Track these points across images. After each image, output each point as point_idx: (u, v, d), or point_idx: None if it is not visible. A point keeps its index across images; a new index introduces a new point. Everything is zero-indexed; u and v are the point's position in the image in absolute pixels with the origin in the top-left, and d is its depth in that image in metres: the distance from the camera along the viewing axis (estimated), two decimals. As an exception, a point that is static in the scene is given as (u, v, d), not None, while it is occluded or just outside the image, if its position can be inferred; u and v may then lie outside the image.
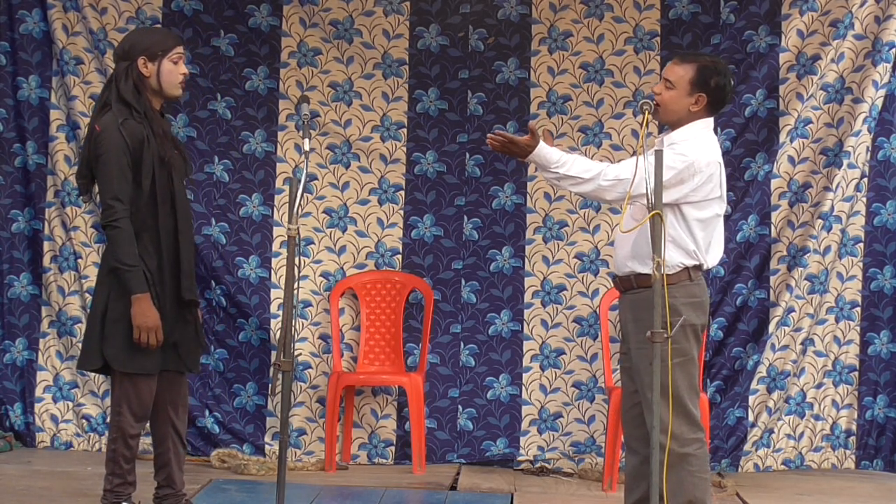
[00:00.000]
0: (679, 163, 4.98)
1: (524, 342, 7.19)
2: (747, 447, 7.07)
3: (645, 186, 4.76)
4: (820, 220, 7.02)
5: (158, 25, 7.02)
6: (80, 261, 7.14)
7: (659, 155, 4.76)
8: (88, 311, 5.52)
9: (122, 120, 5.16)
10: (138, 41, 5.32)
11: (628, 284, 5.14)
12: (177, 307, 5.30)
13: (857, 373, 7.17)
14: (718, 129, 7.07)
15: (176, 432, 5.42)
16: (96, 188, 5.31)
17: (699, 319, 5.12)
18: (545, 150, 5.02)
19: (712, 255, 5.16)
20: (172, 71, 5.29)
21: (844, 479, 7.06)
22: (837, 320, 7.16)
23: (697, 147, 5.06)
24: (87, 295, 7.04)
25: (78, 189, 5.53)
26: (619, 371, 6.94)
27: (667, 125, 5.24)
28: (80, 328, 7.06)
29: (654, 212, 4.71)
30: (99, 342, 5.22)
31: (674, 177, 4.94)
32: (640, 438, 5.14)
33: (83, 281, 7.11)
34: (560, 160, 5.02)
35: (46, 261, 7.18)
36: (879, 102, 7.03)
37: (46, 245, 7.18)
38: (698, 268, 5.11)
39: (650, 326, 4.71)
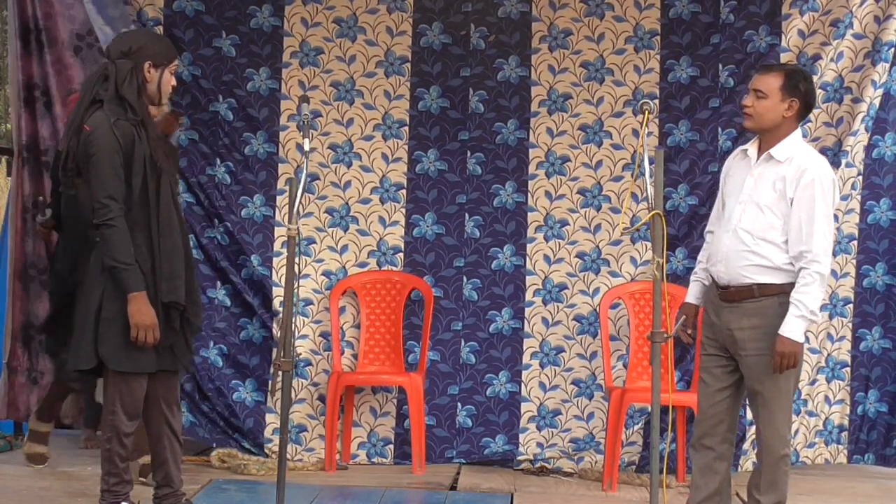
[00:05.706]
0: (830, 187, 5.22)
1: (524, 340, 7.19)
2: (745, 446, 7.06)
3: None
4: (819, 220, 7.02)
5: (158, 28, 7.00)
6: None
7: (659, 156, 4.80)
8: (77, 311, 5.46)
9: (115, 119, 5.17)
10: (147, 45, 5.34)
11: (748, 294, 5.21)
12: (166, 307, 5.31)
13: (848, 368, 7.17)
14: (719, 129, 7.09)
15: (171, 430, 5.44)
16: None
17: None
18: (792, 323, 5.08)
19: None
20: (168, 82, 5.38)
21: (844, 478, 7.07)
22: (831, 317, 7.15)
23: (817, 160, 5.29)
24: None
25: (63, 181, 5.47)
26: (619, 370, 7.04)
27: (758, 134, 5.36)
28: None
29: (654, 212, 4.72)
30: (93, 342, 5.22)
31: (833, 199, 5.23)
32: (716, 436, 5.39)
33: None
34: (804, 315, 5.08)
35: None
36: (877, 102, 7.02)
37: None
38: None
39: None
